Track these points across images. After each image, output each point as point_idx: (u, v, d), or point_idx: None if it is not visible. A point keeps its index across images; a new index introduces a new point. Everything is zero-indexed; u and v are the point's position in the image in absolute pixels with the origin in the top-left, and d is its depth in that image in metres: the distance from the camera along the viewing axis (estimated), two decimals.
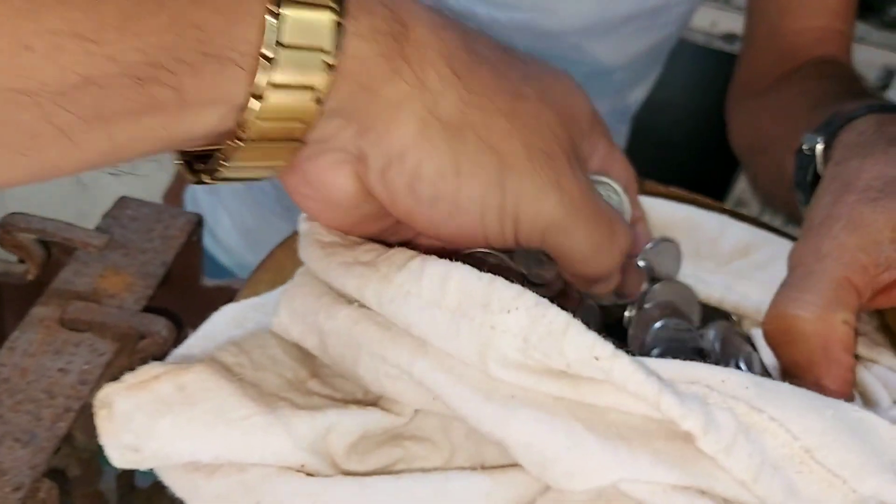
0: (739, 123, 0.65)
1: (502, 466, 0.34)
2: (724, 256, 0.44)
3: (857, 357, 0.37)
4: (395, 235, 0.37)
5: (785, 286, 0.35)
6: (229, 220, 0.89)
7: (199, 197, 0.93)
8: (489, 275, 0.31)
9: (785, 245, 0.44)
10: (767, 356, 0.39)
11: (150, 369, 0.32)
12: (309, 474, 0.33)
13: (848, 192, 0.36)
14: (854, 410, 0.32)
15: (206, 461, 0.32)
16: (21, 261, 0.47)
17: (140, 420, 0.32)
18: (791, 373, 0.35)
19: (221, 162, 0.29)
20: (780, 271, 0.36)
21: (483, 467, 0.34)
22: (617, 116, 0.79)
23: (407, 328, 0.32)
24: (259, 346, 0.36)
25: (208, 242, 0.91)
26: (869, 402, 0.37)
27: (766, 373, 0.39)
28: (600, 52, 0.65)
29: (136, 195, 0.48)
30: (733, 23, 1.26)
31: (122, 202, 0.47)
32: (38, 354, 0.41)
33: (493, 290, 0.31)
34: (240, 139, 0.28)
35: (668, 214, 0.42)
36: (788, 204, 0.50)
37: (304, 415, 0.33)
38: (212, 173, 0.30)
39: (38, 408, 0.38)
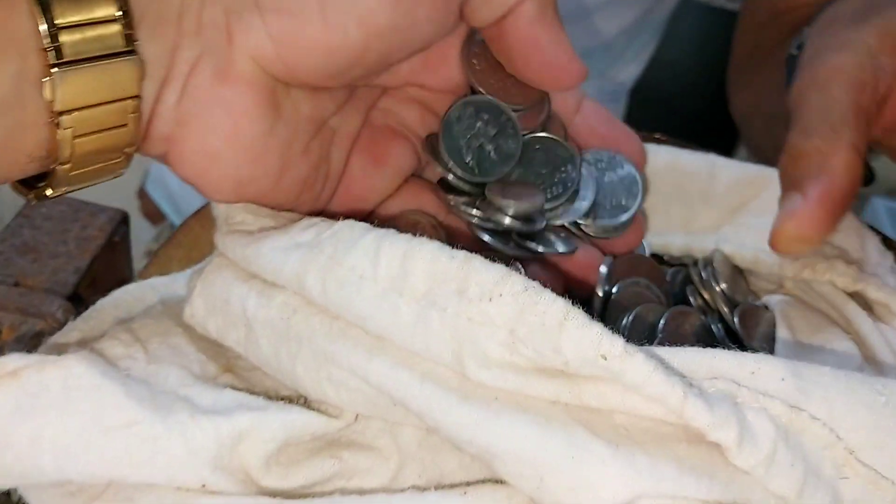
0: (742, 95, 0.60)
1: (465, 485, 0.27)
2: (720, 208, 0.37)
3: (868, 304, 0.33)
4: (326, 185, 0.30)
5: (794, 127, 0.31)
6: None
7: (169, 184, 0.87)
8: (463, 252, 0.25)
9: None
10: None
11: (8, 362, 0.25)
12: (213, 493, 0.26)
13: (834, 24, 0.35)
14: None
15: (78, 480, 0.25)
16: None
17: None
18: (786, 194, 0.30)
19: (60, 163, 0.24)
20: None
21: (439, 486, 0.27)
22: (607, 96, 0.74)
23: (361, 322, 0.25)
24: (158, 335, 0.29)
25: None
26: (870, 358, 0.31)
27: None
28: (579, 35, 0.60)
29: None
30: None
31: None
32: None
33: (469, 273, 0.24)
34: (57, 111, 0.23)
35: (649, 162, 0.35)
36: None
37: (206, 421, 0.25)
38: (52, 181, 0.25)
39: None
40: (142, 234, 0.94)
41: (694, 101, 0.80)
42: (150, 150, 0.27)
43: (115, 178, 0.26)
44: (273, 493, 0.26)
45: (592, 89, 0.70)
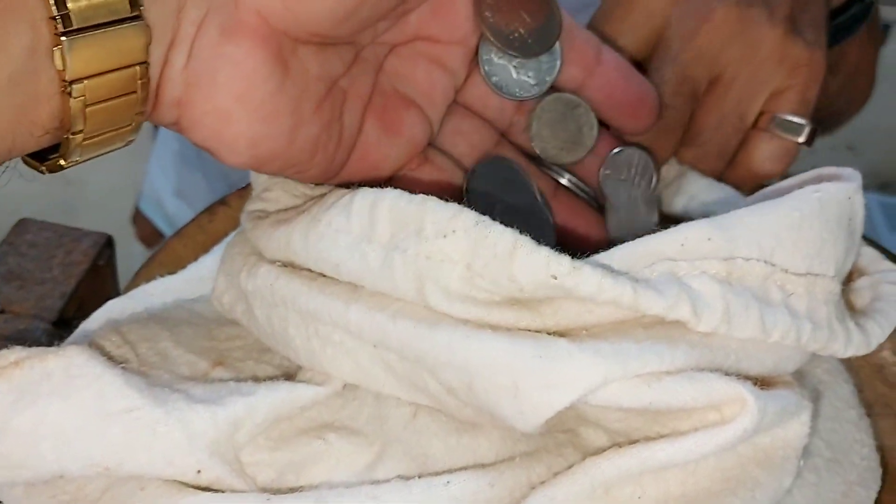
0: None
1: (448, 472, 0.28)
2: None
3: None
4: (340, 148, 0.30)
5: None
6: None
7: (164, 200, 0.88)
8: (422, 195, 0.27)
9: None
10: None
11: (9, 354, 0.26)
12: (205, 488, 0.26)
13: None
14: (813, 191, 0.29)
15: (75, 470, 0.26)
16: None
17: None
18: None
19: (70, 131, 0.24)
20: None
21: (423, 472, 0.28)
22: None
23: (335, 269, 0.28)
24: (146, 340, 0.30)
25: None
26: None
27: None
28: None
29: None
30: None
31: (22, 225, 0.42)
32: None
33: (425, 213, 0.26)
34: (69, 80, 0.23)
35: None
36: None
37: (203, 408, 0.27)
38: (65, 152, 0.25)
39: None
40: (138, 259, 0.94)
41: None
42: (163, 118, 0.27)
43: (125, 146, 0.26)
44: (264, 486, 0.27)
45: None
